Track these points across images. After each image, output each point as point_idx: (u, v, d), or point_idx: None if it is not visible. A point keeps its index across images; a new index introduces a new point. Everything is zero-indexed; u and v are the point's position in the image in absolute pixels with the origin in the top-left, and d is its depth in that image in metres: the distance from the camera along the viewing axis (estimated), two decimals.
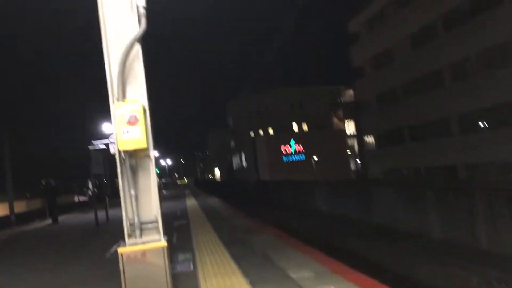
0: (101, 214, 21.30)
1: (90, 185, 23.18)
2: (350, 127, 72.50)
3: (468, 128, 31.30)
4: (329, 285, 6.99)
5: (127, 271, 4.59)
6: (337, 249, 15.50)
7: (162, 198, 39.01)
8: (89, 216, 23.45)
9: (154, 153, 5.33)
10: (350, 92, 68.50)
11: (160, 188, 67.58)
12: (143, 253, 4.66)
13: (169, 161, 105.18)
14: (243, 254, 10.22)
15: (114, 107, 4.87)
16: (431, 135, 35.26)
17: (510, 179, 24.06)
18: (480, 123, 30.58)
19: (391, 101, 40.98)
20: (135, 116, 4.72)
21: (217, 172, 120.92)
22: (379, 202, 20.34)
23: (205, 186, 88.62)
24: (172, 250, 11.19)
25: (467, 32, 29.29)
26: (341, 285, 6.91)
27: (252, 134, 71.58)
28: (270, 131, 71.21)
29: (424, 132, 36.56)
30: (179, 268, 9.22)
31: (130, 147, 4.76)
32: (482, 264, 12.13)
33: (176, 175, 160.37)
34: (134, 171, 5.08)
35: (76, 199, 41.46)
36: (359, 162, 65.14)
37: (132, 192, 4.99)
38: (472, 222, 14.26)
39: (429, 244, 15.52)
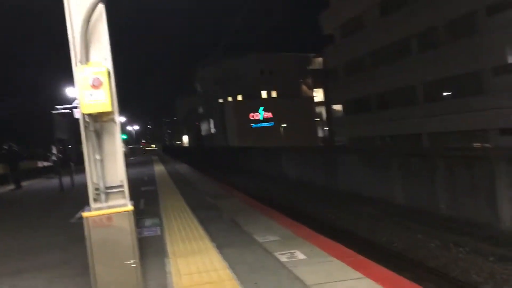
0: (66, 180, 20.98)
1: (54, 150, 22.68)
2: (319, 95, 72.89)
3: (433, 97, 31.98)
4: (293, 249, 7.17)
5: (93, 235, 4.58)
6: (302, 214, 15.84)
7: (128, 164, 38.65)
8: (54, 182, 23.06)
9: (120, 118, 5.24)
10: (320, 60, 68.55)
11: (127, 153, 66.84)
12: (109, 217, 4.64)
13: (136, 127, 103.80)
14: (210, 219, 10.32)
15: (77, 70, 4.74)
16: (397, 104, 35.89)
17: (471, 147, 24.88)
18: (444, 92, 31.28)
19: (359, 69, 41.29)
20: (99, 79, 4.61)
21: (185, 138, 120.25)
22: (345, 169, 20.78)
23: (173, 153, 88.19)
24: (139, 215, 11.19)
25: (435, 1, 29.52)
26: (305, 249, 7.10)
27: (221, 100, 71.13)
28: (239, 97, 70.90)
29: (390, 100, 37.15)
30: (146, 232, 9.25)
31: (94, 110, 4.66)
32: (441, 229, 12.65)
33: (144, 141, 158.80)
34: (98, 135, 5.00)
35: (40, 164, 40.53)
36: (327, 129, 65.91)
37: (97, 156, 4.93)
38: (433, 189, 14.78)
39: (392, 209, 16.03)
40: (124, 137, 66.75)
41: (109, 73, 4.84)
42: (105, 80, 4.65)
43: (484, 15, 25.98)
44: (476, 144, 27.32)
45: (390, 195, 17.05)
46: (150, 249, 7.74)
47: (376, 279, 5.44)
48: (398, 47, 34.76)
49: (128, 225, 4.66)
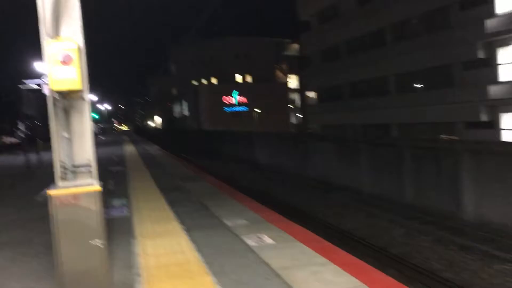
0: (33, 157, 20.53)
1: (21, 127, 22.10)
2: (293, 82, 73.01)
3: (404, 88, 32.48)
4: (261, 233, 7.24)
5: (58, 214, 4.51)
6: (272, 199, 15.98)
7: (98, 143, 38.03)
8: (20, 159, 22.53)
9: (91, 97, 5.15)
10: (296, 46, 68.53)
11: (97, 133, 65.74)
12: (75, 196, 4.58)
13: (108, 106, 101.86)
14: (180, 201, 10.30)
15: (47, 44, 4.61)
16: (370, 94, 36.31)
17: (438, 139, 25.47)
18: (415, 84, 31.80)
19: (334, 57, 41.48)
20: (69, 56, 4.49)
21: (158, 119, 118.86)
22: (316, 156, 21.01)
23: (145, 134, 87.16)
24: (108, 195, 11.08)
25: None
26: (273, 233, 7.18)
27: (195, 82, 70.46)
28: (214, 80, 70.40)
29: (363, 90, 37.55)
30: (114, 213, 9.17)
31: (63, 87, 4.55)
32: (406, 217, 13.00)
33: (116, 121, 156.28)
34: (67, 113, 4.89)
35: (6, 140, 39.49)
36: (300, 116, 66.22)
37: (65, 134, 4.83)
38: (400, 178, 15.12)
39: (360, 197, 16.35)
40: (95, 116, 65.56)
41: (80, 49, 4.73)
42: (76, 57, 4.54)
43: (457, 9, 26.41)
44: (444, 136, 27.99)
45: (359, 183, 17.36)
46: (118, 230, 7.69)
47: (340, 264, 5.56)
48: (373, 37, 35.05)
49: (94, 205, 4.60)
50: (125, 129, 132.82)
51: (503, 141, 21.56)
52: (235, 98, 64.54)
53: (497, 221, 11.40)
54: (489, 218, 11.70)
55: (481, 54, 24.60)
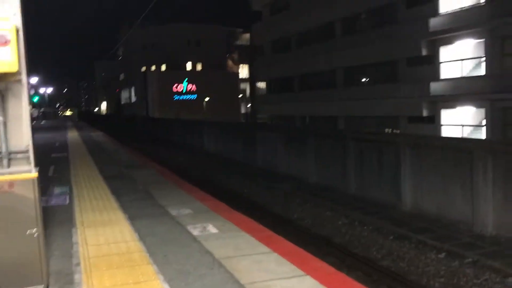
0: None
1: None
2: (244, 71, 73.02)
3: (351, 82, 33.28)
4: (206, 222, 7.24)
5: None
6: (218, 188, 15.98)
7: (39, 128, 36.56)
8: None
9: (31, 79, 4.93)
10: (247, 36, 68.46)
11: (38, 117, 63.08)
12: (11, 183, 4.39)
13: (50, 90, 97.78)
14: (124, 189, 10.11)
15: None
16: (319, 86, 36.92)
17: (382, 132, 26.32)
18: (362, 78, 32.66)
19: (284, 48, 41.79)
20: (5, 36, 4.27)
21: (104, 105, 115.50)
22: (264, 146, 21.17)
23: (90, 119, 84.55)
24: (48, 182, 10.70)
25: None
26: (217, 223, 7.20)
27: (143, 68, 68.89)
28: (163, 67, 69.13)
29: (312, 82, 38.12)
30: (54, 201, 8.88)
31: None
32: (349, 208, 13.37)
33: (60, 106, 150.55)
34: (3, 96, 4.67)
35: None
36: (250, 106, 66.43)
37: (0, 118, 4.61)
38: (344, 169, 15.53)
39: (306, 187, 16.65)
40: (35, 99, 62.74)
41: (17, 30, 4.51)
42: (13, 38, 4.33)
43: (404, 7, 27.27)
44: (387, 130, 28.97)
45: (305, 173, 17.67)
46: (57, 219, 7.46)
47: (282, 253, 5.67)
48: (323, 30, 35.57)
49: (31, 192, 4.43)
50: (70, 114, 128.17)
51: (442, 136, 22.58)
52: (185, 86, 63.76)
53: (434, 212, 11.97)
54: (427, 209, 12.26)
55: (424, 52, 25.54)
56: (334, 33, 34.39)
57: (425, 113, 25.67)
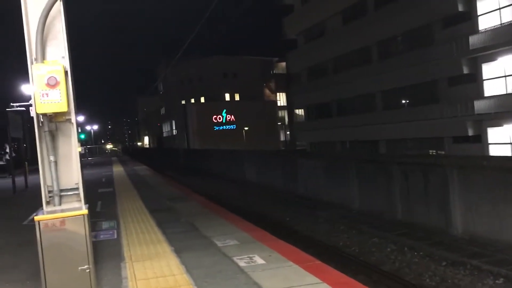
0: (20, 180, 20.25)
1: (8, 149, 21.84)
2: (281, 99, 73.46)
3: (391, 105, 32.82)
4: (252, 253, 7.17)
5: (45, 240, 4.42)
6: (262, 218, 15.88)
7: (86, 165, 37.74)
8: (6, 182, 22.20)
9: (78, 117, 5.11)
10: (283, 64, 69.12)
11: (84, 154, 65.20)
12: (62, 221, 4.50)
13: (95, 127, 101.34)
14: (168, 222, 10.20)
15: (33, 68, 4.58)
16: (357, 110, 36.61)
17: (426, 154, 25.66)
18: (402, 100, 32.17)
19: (321, 74, 41.87)
20: (55, 78, 4.47)
21: (146, 139, 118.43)
22: (304, 174, 21.00)
23: (133, 154, 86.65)
24: (96, 217, 10.94)
25: (395, 11, 30.34)
26: (264, 253, 7.11)
27: (183, 101, 70.48)
28: (202, 99, 70.49)
29: (350, 106, 37.85)
30: (103, 236, 9.04)
31: (49, 110, 4.51)
32: (396, 234, 12.97)
33: (103, 142, 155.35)
34: (53, 136, 4.85)
35: None
36: (288, 134, 66.46)
37: (51, 158, 4.77)
38: (388, 194, 15.14)
39: (350, 214, 16.31)
40: (82, 136, 65.09)
41: (66, 71, 4.71)
42: (62, 79, 4.52)
43: (440, 27, 26.91)
44: (431, 151, 28.22)
45: (348, 200, 17.35)
46: (106, 253, 7.57)
47: (332, 283, 5.51)
48: (359, 55, 35.50)
49: (82, 229, 4.53)
50: (114, 149, 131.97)
51: (490, 156, 21.77)
52: (224, 116, 64.63)
53: (487, 236, 11.43)
54: (479, 232, 11.72)
55: (466, 70, 24.99)
56: (371, 57, 34.21)
57: (470, 132, 24.92)
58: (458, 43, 24.92)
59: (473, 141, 25.20)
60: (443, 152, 26.86)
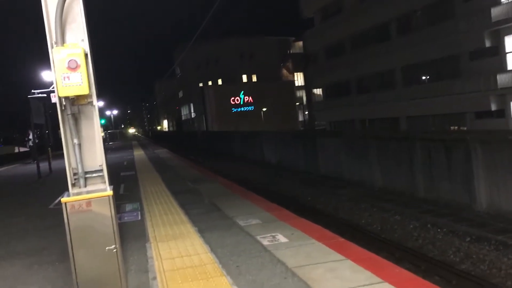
0: (44, 166, 20.64)
1: (31, 136, 22.25)
2: (299, 79, 72.90)
3: (411, 81, 32.27)
4: (275, 232, 7.20)
5: (72, 221, 4.50)
6: (283, 197, 15.92)
7: (107, 149, 38.21)
8: (31, 168, 22.67)
9: (99, 103, 5.14)
10: (300, 44, 68.40)
11: (105, 139, 66.01)
12: (88, 202, 4.56)
13: (115, 112, 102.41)
14: (191, 203, 10.30)
15: (53, 52, 4.60)
16: (377, 88, 36.12)
17: (448, 130, 25.26)
18: (422, 76, 31.58)
19: (339, 53, 41.33)
20: (76, 61, 4.48)
21: (165, 123, 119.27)
22: (325, 153, 20.90)
23: (152, 137, 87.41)
24: (119, 200, 11.10)
25: None
26: (286, 232, 7.14)
27: (201, 84, 70.53)
28: (219, 81, 70.42)
29: (370, 84, 37.36)
30: (127, 217, 9.18)
31: (71, 93, 4.55)
32: (419, 211, 12.87)
33: (123, 126, 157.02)
34: (76, 119, 4.89)
35: (16, 149, 39.78)
36: (307, 113, 66.09)
37: (75, 140, 4.82)
38: (411, 171, 14.99)
39: (372, 192, 16.24)
40: (102, 121, 65.86)
41: (86, 54, 4.72)
42: (82, 62, 4.53)
43: (461, 0, 26.20)
44: (453, 127, 27.76)
45: (370, 178, 17.25)
46: (131, 234, 7.69)
47: (356, 260, 5.51)
48: (378, 31, 34.87)
49: (108, 210, 4.58)
50: (133, 134, 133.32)
51: None
52: (242, 98, 64.51)
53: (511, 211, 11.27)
54: (505, 208, 11.55)
55: (488, 43, 24.35)
56: (390, 33, 33.56)
57: (493, 107, 24.42)
58: (480, 15, 24.24)
59: (496, 116, 24.69)
60: (465, 128, 26.40)
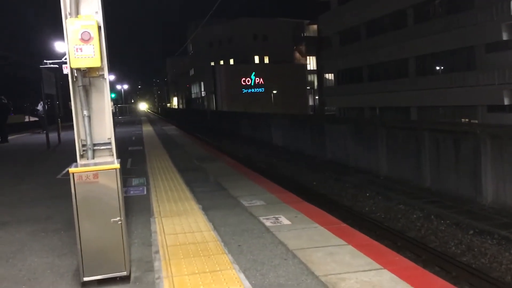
0: (53, 136, 20.80)
1: (41, 106, 22.37)
2: (311, 63, 72.37)
3: (424, 71, 31.94)
4: (278, 214, 7.25)
5: (78, 192, 4.56)
6: (288, 180, 15.98)
7: (117, 123, 38.40)
8: (40, 137, 22.86)
9: (110, 76, 5.15)
10: (314, 27, 67.71)
11: (114, 113, 66.26)
12: (95, 174, 4.61)
13: (126, 87, 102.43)
14: (197, 181, 10.37)
15: (67, 23, 4.60)
16: (389, 76, 35.80)
17: (458, 122, 25.08)
18: (436, 66, 31.23)
19: (353, 39, 40.90)
20: (89, 33, 4.49)
21: (175, 100, 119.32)
22: (333, 139, 20.88)
23: (162, 114, 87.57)
24: (126, 174, 11.20)
25: None
26: (290, 214, 7.19)
27: (212, 63, 70.29)
28: (231, 61, 70.11)
29: (382, 72, 37.03)
30: (132, 192, 9.28)
31: (83, 65, 4.56)
32: (424, 201, 12.88)
33: (133, 101, 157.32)
34: (87, 91, 4.91)
35: (26, 119, 40.07)
36: (317, 98, 65.75)
37: (85, 112, 4.85)
38: (418, 161, 14.96)
39: (378, 180, 16.24)
40: (113, 95, 65.98)
41: (99, 27, 4.72)
42: (95, 34, 4.54)
43: None
44: (464, 120, 27.56)
45: (376, 166, 17.24)
46: (136, 208, 7.78)
47: (357, 246, 5.55)
48: (394, 18, 34.41)
49: (114, 182, 4.63)
50: (143, 109, 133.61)
51: None
52: (253, 79, 64.26)
53: None
54: (509, 203, 11.53)
55: (505, 36, 23.99)
56: (406, 21, 33.12)
57: (506, 101, 24.18)
58: (498, 7, 23.83)
59: (508, 110, 24.45)
60: (476, 121, 26.19)
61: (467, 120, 27.33)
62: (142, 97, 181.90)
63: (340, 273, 4.74)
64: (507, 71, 23.55)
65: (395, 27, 34.30)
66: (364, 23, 38.54)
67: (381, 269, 4.81)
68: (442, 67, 30.68)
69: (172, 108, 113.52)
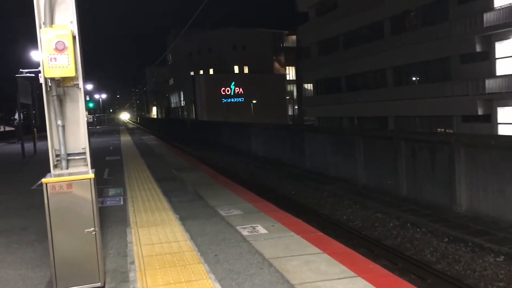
0: (29, 146, 20.47)
1: (17, 115, 22.02)
2: (291, 73, 72.87)
3: (401, 81, 32.47)
4: (255, 223, 7.27)
5: (52, 203, 4.51)
6: (267, 190, 16.01)
7: (94, 133, 37.98)
8: (16, 147, 22.47)
9: (87, 86, 5.13)
10: (293, 38, 68.28)
11: (92, 122, 65.53)
12: (69, 184, 4.58)
13: (104, 96, 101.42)
14: (175, 191, 10.33)
15: (41, 32, 4.59)
16: (367, 86, 36.27)
17: (434, 132, 25.51)
18: (413, 77, 31.79)
19: (332, 49, 41.37)
20: (63, 43, 4.48)
21: (154, 110, 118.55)
22: (312, 148, 21.02)
23: (141, 123, 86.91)
24: (103, 184, 11.10)
25: None
26: (267, 223, 7.22)
27: (192, 73, 70.13)
28: (211, 71, 70.10)
29: (360, 82, 37.50)
30: (109, 202, 9.19)
31: (57, 74, 4.54)
32: (400, 210, 13.04)
33: (111, 110, 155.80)
34: (61, 100, 4.88)
35: (1, 128, 39.36)
36: (296, 108, 66.17)
37: (59, 122, 4.82)
38: (395, 171, 15.16)
39: (355, 189, 16.39)
40: (91, 105, 65.28)
41: (74, 37, 4.71)
42: (70, 44, 4.53)
43: (456, 2, 26.33)
44: (440, 130, 28.03)
45: (354, 175, 17.40)
46: (112, 219, 7.71)
47: (332, 254, 5.60)
48: (371, 30, 34.94)
49: (88, 192, 4.60)
50: (123, 119, 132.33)
51: (498, 135, 21.60)
52: (233, 89, 64.35)
53: (491, 214, 11.47)
54: (483, 211, 11.76)
55: (478, 48, 24.57)
56: (383, 32, 33.67)
57: (480, 111, 24.68)
58: (472, 20, 24.44)
59: (482, 120, 24.98)
60: (451, 131, 26.68)
61: (443, 129, 27.83)
62: (121, 107, 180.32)
63: (315, 281, 4.78)
64: (480, 82, 24.10)
65: (372, 38, 34.84)
66: (342, 33, 39.03)
67: (355, 276, 4.86)
68: (418, 78, 31.23)
69: (152, 118, 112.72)
